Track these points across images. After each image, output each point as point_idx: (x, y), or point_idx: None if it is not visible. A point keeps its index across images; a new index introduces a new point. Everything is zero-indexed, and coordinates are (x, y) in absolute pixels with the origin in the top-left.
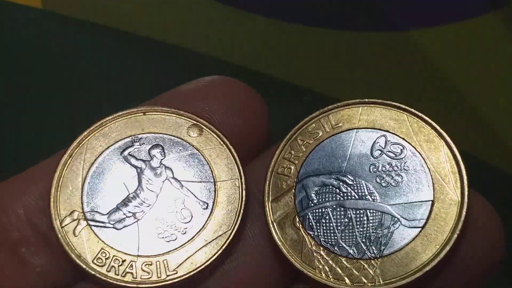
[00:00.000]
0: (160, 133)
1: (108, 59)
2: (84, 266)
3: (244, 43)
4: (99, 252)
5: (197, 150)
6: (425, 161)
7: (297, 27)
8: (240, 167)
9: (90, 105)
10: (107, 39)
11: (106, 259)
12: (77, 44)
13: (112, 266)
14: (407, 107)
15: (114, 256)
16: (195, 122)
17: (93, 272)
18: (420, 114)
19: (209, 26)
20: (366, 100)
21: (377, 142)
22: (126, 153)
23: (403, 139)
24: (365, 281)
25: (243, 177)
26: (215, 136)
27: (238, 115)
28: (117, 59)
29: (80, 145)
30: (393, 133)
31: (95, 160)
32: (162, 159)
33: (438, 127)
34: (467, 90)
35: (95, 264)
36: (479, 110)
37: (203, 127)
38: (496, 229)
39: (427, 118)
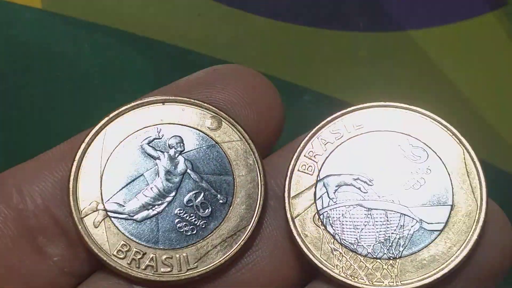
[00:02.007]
0: (179, 124)
1: (108, 59)
2: (105, 259)
3: (244, 43)
4: (119, 245)
5: (216, 142)
6: (445, 166)
7: (297, 27)
8: (260, 162)
9: (90, 105)
10: (107, 39)
11: (127, 251)
12: (77, 44)
13: (133, 259)
14: (430, 113)
15: (135, 248)
16: (214, 114)
17: (114, 265)
18: (442, 120)
19: (209, 26)
20: (389, 103)
21: (399, 145)
22: (144, 143)
23: (424, 143)
24: (384, 281)
25: (262, 173)
26: (235, 129)
27: (256, 107)
28: (117, 59)
29: (99, 134)
30: (415, 137)
31: (114, 149)
32: (181, 151)
33: (458, 133)
34: (467, 90)
35: (116, 256)
36: (478, 110)
37: (222, 119)
38: (507, 233)
39: (448, 125)
